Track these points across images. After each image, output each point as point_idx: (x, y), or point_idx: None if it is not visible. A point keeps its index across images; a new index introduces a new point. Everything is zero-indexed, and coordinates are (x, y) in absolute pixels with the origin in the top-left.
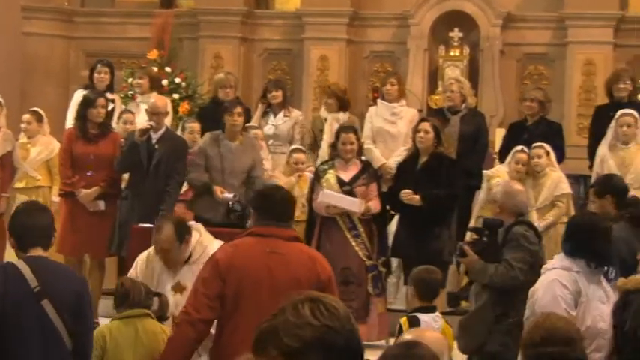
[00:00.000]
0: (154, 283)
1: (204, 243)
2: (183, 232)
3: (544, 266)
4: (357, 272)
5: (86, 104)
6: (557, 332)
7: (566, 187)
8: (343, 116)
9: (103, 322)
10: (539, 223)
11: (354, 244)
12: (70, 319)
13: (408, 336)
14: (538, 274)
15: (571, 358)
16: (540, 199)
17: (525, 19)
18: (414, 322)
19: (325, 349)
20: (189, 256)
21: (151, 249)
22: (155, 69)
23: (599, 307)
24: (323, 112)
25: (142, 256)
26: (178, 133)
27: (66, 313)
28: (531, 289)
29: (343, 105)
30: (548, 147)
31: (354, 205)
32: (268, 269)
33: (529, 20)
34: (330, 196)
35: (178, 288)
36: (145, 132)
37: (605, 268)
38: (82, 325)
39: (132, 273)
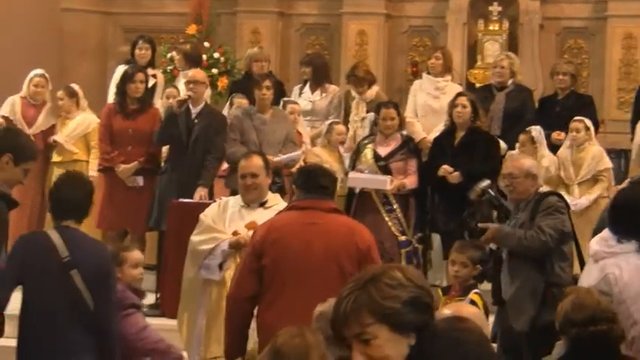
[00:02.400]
0: (226, 223)
1: (279, 197)
2: (268, 165)
3: (597, 250)
4: (389, 247)
5: (125, 79)
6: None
7: (607, 162)
8: (371, 93)
9: None
10: (585, 198)
11: (387, 219)
12: (96, 290)
13: (446, 311)
14: (565, 243)
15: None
16: (581, 174)
17: None
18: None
19: (418, 308)
20: (265, 201)
21: (221, 201)
22: (188, 46)
23: None
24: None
25: (212, 206)
26: (226, 108)
27: (92, 283)
28: (609, 274)
29: (371, 82)
30: (588, 122)
31: (383, 183)
32: (306, 241)
33: None
34: (357, 180)
35: (252, 225)
36: (183, 102)
37: None
38: (105, 296)
39: (204, 220)
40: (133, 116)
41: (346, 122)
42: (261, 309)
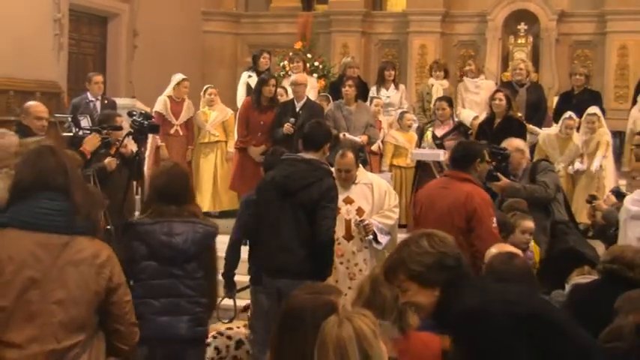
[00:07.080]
0: None
1: (364, 172)
2: (357, 156)
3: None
4: None
5: (262, 83)
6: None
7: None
8: (445, 82)
9: None
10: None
11: None
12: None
13: (493, 250)
14: (559, 192)
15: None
16: (591, 145)
17: (575, 14)
18: None
19: (440, 269)
20: (355, 177)
21: None
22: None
23: None
24: (431, 80)
25: None
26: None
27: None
28: None
29: (446, 75)
30: (599, 111)
31: (437, 156)
32: (431, 201)
33: (578, 15)
34: (419, 154)
35: (348, 200)
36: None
37: None
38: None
39: None
40: (264, 111)
41: (426, 109)
42: None
